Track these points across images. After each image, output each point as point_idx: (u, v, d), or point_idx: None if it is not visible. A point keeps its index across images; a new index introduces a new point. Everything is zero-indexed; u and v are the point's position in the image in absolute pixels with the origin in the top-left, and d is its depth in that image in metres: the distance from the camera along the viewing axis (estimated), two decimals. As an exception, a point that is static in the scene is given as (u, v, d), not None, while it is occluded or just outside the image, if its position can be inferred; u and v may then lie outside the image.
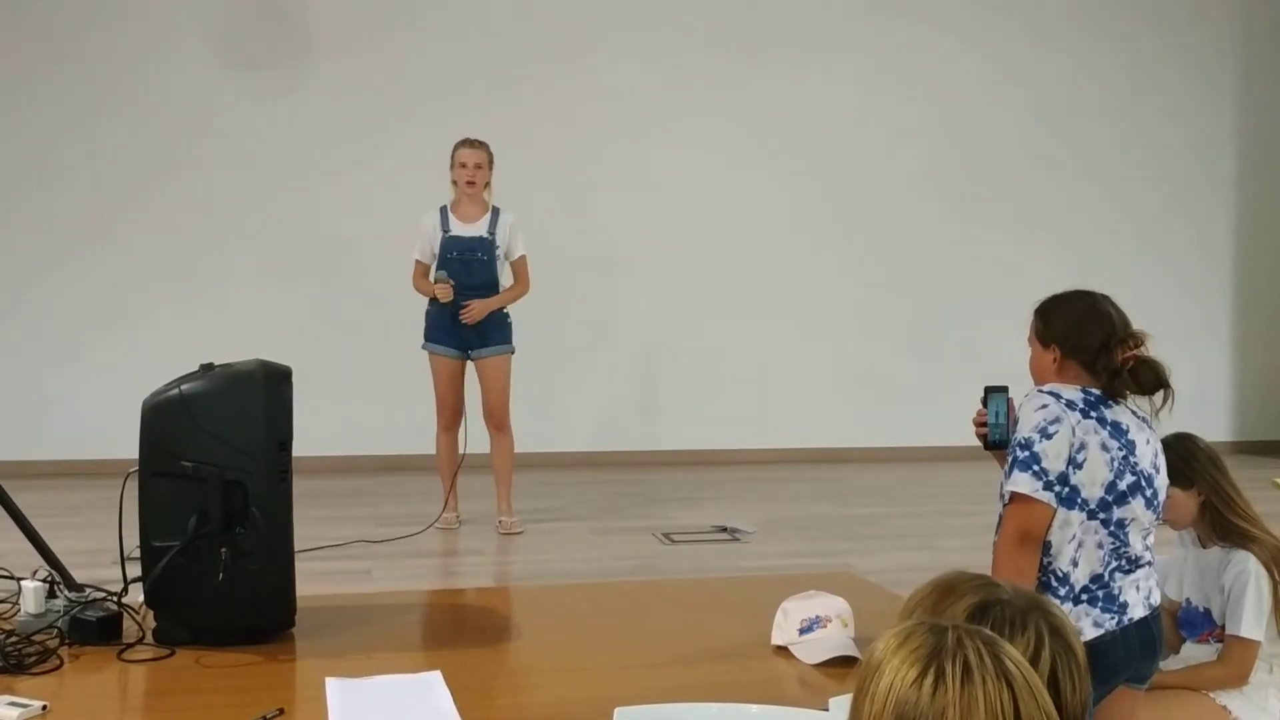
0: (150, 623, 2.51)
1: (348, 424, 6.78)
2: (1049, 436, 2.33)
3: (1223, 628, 2.90)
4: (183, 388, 2.45)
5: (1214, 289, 8.54)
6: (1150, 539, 2.48)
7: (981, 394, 2.68)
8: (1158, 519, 2.48)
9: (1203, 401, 7.87)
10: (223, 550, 2.39)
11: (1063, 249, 7.87)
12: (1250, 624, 2.82)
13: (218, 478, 2.39)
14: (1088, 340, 2.41)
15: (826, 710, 2.07)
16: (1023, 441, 2.36)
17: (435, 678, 2.26)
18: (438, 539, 4.91)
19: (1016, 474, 2.34)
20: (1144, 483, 2.40)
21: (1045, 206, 8.16)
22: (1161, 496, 2.47)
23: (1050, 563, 2.36)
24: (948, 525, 5.60)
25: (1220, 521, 2.91)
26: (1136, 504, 2.39)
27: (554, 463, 6.59)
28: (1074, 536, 2.34)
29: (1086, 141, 8.25)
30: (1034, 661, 1.19)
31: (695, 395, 7.52)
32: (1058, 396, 2.38)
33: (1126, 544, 2.40)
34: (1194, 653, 2.97)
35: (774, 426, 7.64)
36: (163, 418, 2.43)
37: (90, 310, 6.80)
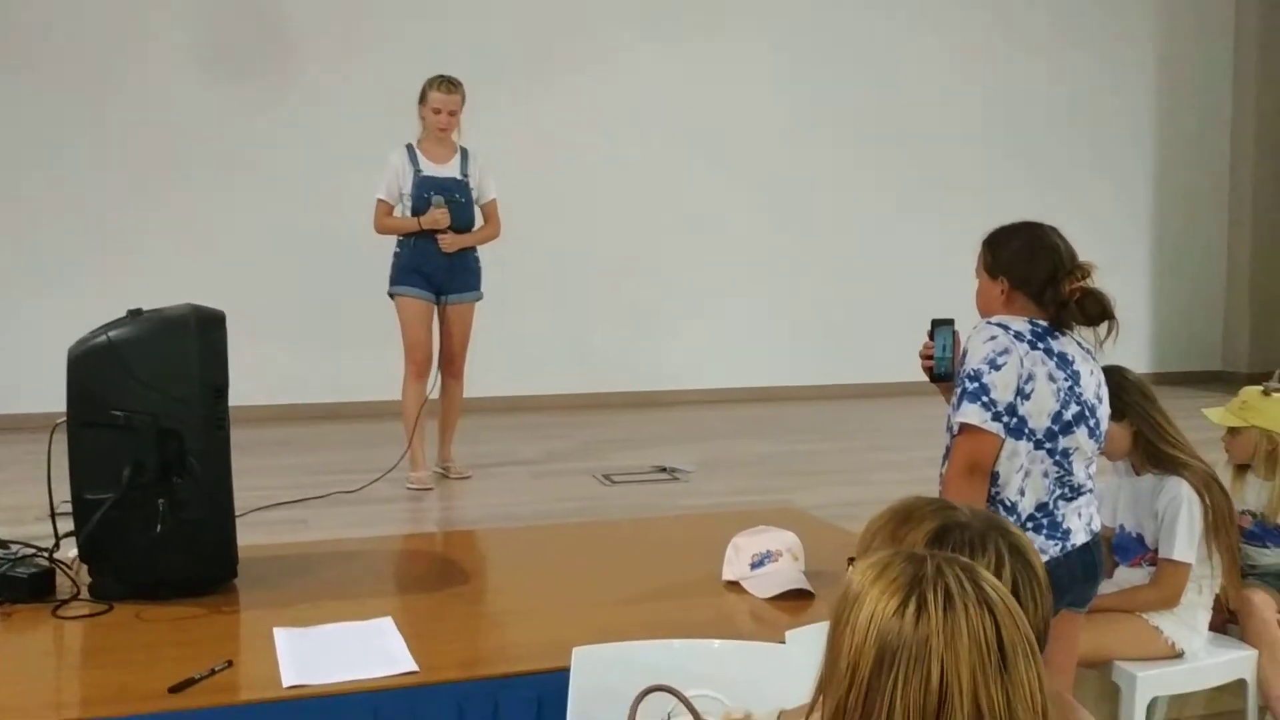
0: (85, 578, 2.43)
1: (277, 373, 6.64)
2: (998, 368, 2.34)
3: (1155, 552, 2.98)
4: (110, 334, 2.35)
5: (1128, 229, 8.72)
6: (1092, 468, 2.51)
7: (928, 327, 2.68)
8: (1099, 448, 2.51)
9: (1121, 336, 8.04)
10: (160, 501, 2.32)
11: (980, 189, 7.94)
12: (1182, 547, 2.89)
13: (151, 427, 2.31)
14: (1036, 272, 2.41)
15: (783, 643, 2.08)
16: (971, 373, 2.37)
17: (386, 624, 2.23)
18: (376, 486, 4.83)
19: (966, 405, 2.35)
20: (1087, 413, 2.43)
21: (963, 148, 8.21)
22: (1104, 426, 2.50)
23: (998, 493, 2.39)
24: (883, 460, 5.67)
25: (1152, 450, 2.97)
26: (1080, 433, 2.42)
27: (489, 407, 6.53)
28: (1021, 466, 2.37)
29: (1003, 84, 8.32)
30: None
31: (629, 338, 7.50)
32: (1006, 328, 2.39)
33: (1070, 472, 2.43)
34: (1127, 577, 3.05)
35: (708, 367, 7.65)
36: (91, 366, 2.33)
37: (6, 262, 6.54)
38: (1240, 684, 2.99)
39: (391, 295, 5.07)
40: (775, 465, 5.56)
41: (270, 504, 4.35)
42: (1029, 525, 2.40)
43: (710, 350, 7.66)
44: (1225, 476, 3.16)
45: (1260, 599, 3.08)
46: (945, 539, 1.27)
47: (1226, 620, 3.14)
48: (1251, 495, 3.25)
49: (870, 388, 7.87)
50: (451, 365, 5.16)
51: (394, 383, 5.20)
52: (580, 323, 7.43)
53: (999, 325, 2.40)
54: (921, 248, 8.01)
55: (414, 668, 1.98)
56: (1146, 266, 8.94)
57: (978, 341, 2.40)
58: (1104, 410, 2.49)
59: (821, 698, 1.12)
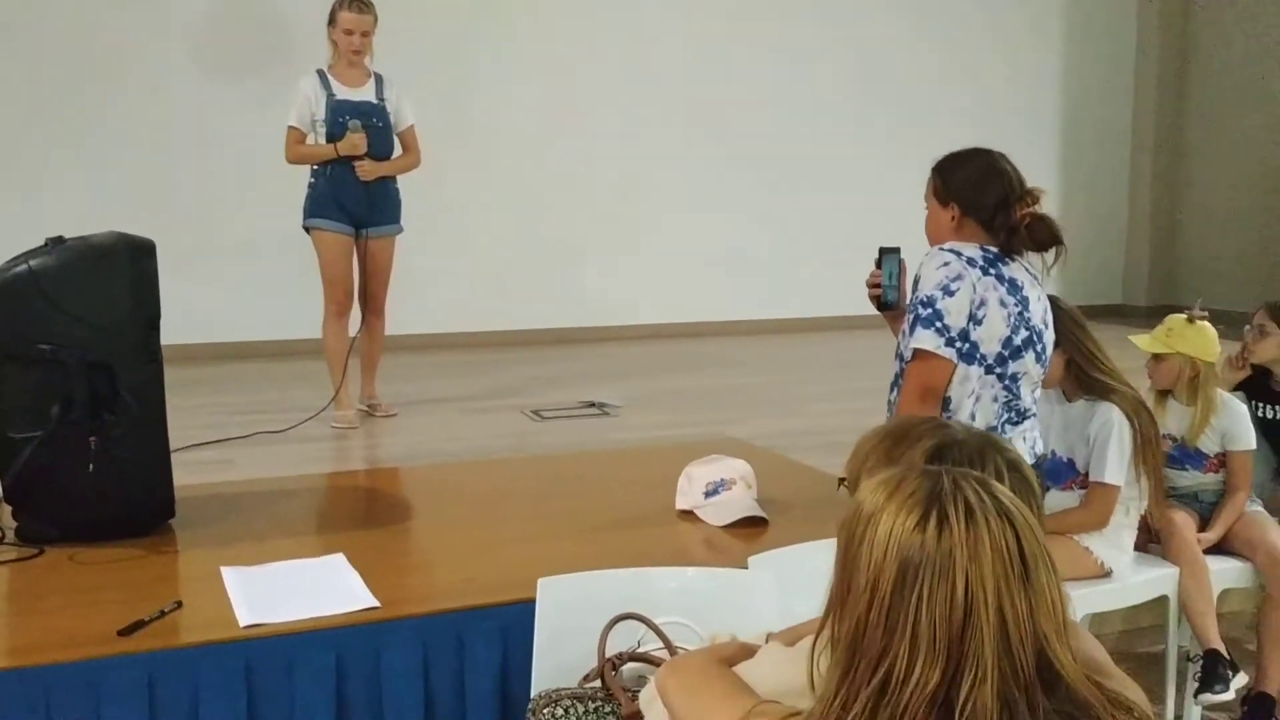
0: (11, 521, 2.31)
1: (185, 311, 6.41)
2: (951, 294, 2.35)
3: (1085, 476, 3.06)
4: (31, 263, 2.21)
5: (1039, 165, 8.89)
6: (1037, 392, 2.56)
7: (876, 255, 2.68)
8: (1044, 372, 2.56)
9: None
10: (91, 439, 2.21)
11: (902, 123, 8.01)
12: (1113, 470, 2.97)
13: (81, 361, 2.18)
14: (986, 197, 2.42)
15: (745, 568, 2.08)
16: (925, 299, 2.37)
17: (339, 560, 2.17)
18: (301, 426, 4.71)
19: (919, 331, 2.36)
20: (1035, 338, 2.46)
21: (886, 81, 8.25)
22: (1049, 352, 2.54)
23: (949, 417, 2.41)
24: (813, 392, 5.72)
25: (1084, 377, 3.04)
26: (1028, 358, 2.45)
27: (409, 345, 6.41)
28: (972, 391, 2.39)
29: (926, 20, 8.36)
30: None
31: (552, 274, 7.41)
32: (958, 254, 2.40)
33: (1018, 397, 2.47)
34: (1058, 500, 3.13)
35: (633, 304, 7.61)
36: (12, 298, 2.19)
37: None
38: (1159, 600, 3.11)
39: (307, 229, 4.89)
40: (704, 399, 5.57)
41: (193, 444, 4.20)
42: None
43: (635, 287, 7.63)
44: (1148, 402, 3.25)
45: (1181, 519, 3.20)
46: (943, 456, 1.27)
47: (1148, 540, 3.25)
48: (1173, 420, 3.35)
49: (795, 322, 7.95)
50: (373, 302, 5.03)
51: (307, 321, 5.06)
52: (502, 258, 7.32)
53: (951, 251, 2.41)
54: (847, 182, 8.06)
55: (375, 603, 1.93)
56: (1053, 202, 9.12)
57: (930, 268, 2.41)
58: (1049, 336, 2.53)
59: (831, 617, 1.10)
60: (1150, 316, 8.57)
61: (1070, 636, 1.03)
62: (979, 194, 2.43)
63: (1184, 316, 3.52)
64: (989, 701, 0.96)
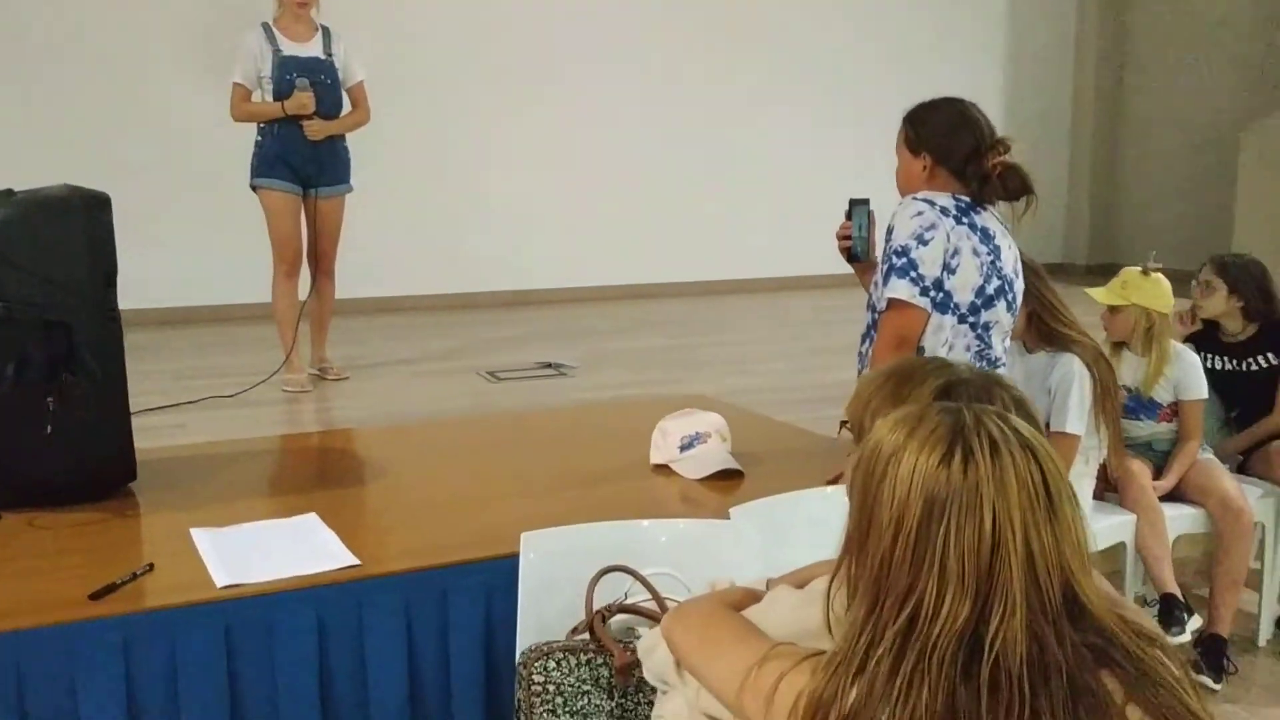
0: (-36, 486, 2.23)
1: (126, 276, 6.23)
2: (925, 243, 2.35)
3: (1046, 426, 3.10)
4: (-20, 217, 2.11)
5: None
6: (1007, 342, 2.58)
7: (846, 207, 2.67)
8: (1014, 322, 2.57)
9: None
10: (49, 400, 2.13)
11: (841, 82, 8.01)
12: (1074, 420, 3.01)
13: (37, 319, 2.10)
14: (958, 146, 2.42)
15: (728, 519, 2.07)
16: (899, 249, 2.37)
17: (312, 520, 2.12)
18: (254, 390, 4.61)
19: (894, 280, 2.36)
20: (1007, 287, 2.48)
21: (825, 40, 8.24)
22: (1019, 301, 2.56)
23: (923, 367, 2.42)
24: (766, 351, 5.74)
25: (1045, 329, 3.07)
26: (1000, 307, 2.46)
27: (359, 309, 6.31)
28: (945, 341, 2.40)
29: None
30: None
31: (500, 236, 7.33)
32: (932, 203, 2.39)
33: (989, 346, 2.48)
34: (1019, 450, 3.17)
35: (581, 265, 7.57)
36: (-40, 253, 2.10)
37: None
38: (1117, 547, 3.17)
39: (255, 188, 4.77)
40: (659, 358, 5.56)
41: (143, 410, 4.09)
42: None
43: (584, 248, 7.58)
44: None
45: (1138, 467, 3.26)
46: (951, 394, 1.26)
47: (1104, 488, 3.30)
48: (1128, 371, 3.40)
49: (745, 283, 7.95)
50: (323, 262, 4.92)
51: (254, 284, 4.94)
52: (450, 220, 7.22)
53: (924, 201, 2.41)
54: (793, 144, 8.06)
55: (355, 561, 1.89)
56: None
57: (904, 217, 2.40)
58: (1020, 285, 2.54)
59: (848, 558, 1.09)
60: (1090, 275, 8.74)
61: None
62: (950, 143, 2.43)
63: (1138, 269, 3.57)
64: (1018, 634, 0.96)
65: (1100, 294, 3.52)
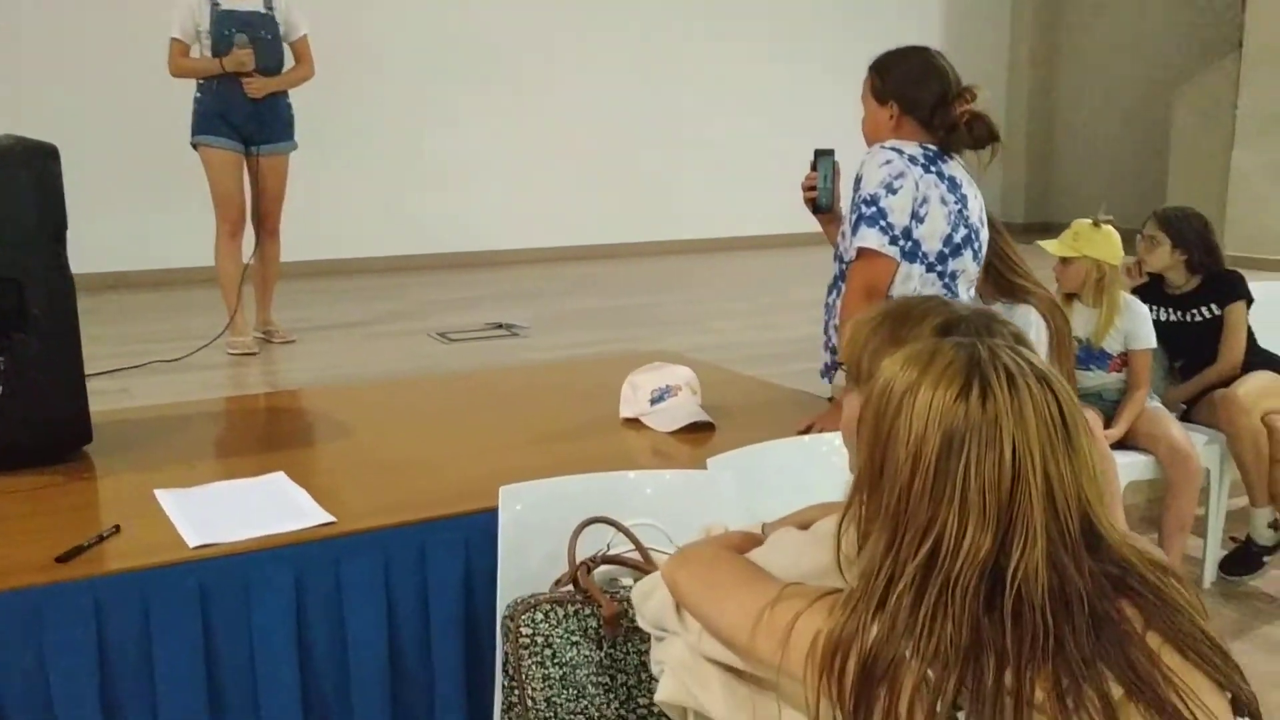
0: (-89, 451, 2.14)
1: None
2: (894, 191, 2.35)
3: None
4: (-80, 169, 2.02)
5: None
6: (972, 291, 2.59)
7: (811, 157, 2.66)
8: (979, 271, 2.59)
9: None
10: (0, 360, 2.04)
11: (780, 36, 7.98)
12: (1031, 370, 3.05)
13: (-15, 275, 2.02)
14: (925, 94, 2.41)
15: (705, 469, 2.06)
16: (868, 197, 2.36)
17: (280, 479, 2.07)
18: (196, 354, 4.50)
19: (864, 230, 2.35)
20: (973, 236, 2.49)
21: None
22: (984, 250, 2.57)
23: (892, 316, 2.42)
24: (719, 309, 5.74)
25: (1002, 281, 3.10)
26: (966, 256, 2.47)
27: (301, 272, 6.17)
28: (914, 290, 2.40)
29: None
30: None
31: (448, 197, 7.21)
32: (900, 152, 2.39)
33: (956, 295, 2.49)
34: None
35: (526, 227, 7.49)
36: (-100, 206, 2.00)
37: None
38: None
39: (195, 146, 4.63)
40: (612, 318, 5.53)
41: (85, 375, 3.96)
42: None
43: (530, 209, 7.50)
44: (1058, 305, 3.33)
45: (1091, 416, 3.32)
46: (952, 332, 1.25)
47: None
48: (1079, 322, 3.45)
49: (691, 244, 7.93)
50: (267, 222, 4.80)
51: (197, 248, 4.80)
52: (394, 182, 7.09)
53: (892, 149, 2.40)
54: (738, 102, 8.03)
55: (330, 519, 1.85)
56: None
57: (872, 166, 2.39)
58: (985, 234, 2.55)
59: (858, 496, 1.09)
60: (1027, 233, 8.83)
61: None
62: (917, 91, 2.42)
63: (1089, 221, 3.61)
64: (1039, 565, 0.96)
65: (1052, 246, 3.56)
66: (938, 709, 0.92)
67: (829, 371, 2.60)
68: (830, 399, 2.64)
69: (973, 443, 0.98)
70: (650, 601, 1.41)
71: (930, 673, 0.94)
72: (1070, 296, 3.50)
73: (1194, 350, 3.81)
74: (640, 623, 1.45)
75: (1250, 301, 3.82)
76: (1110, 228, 3.58)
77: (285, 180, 4.79)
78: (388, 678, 1.84)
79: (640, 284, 6.76)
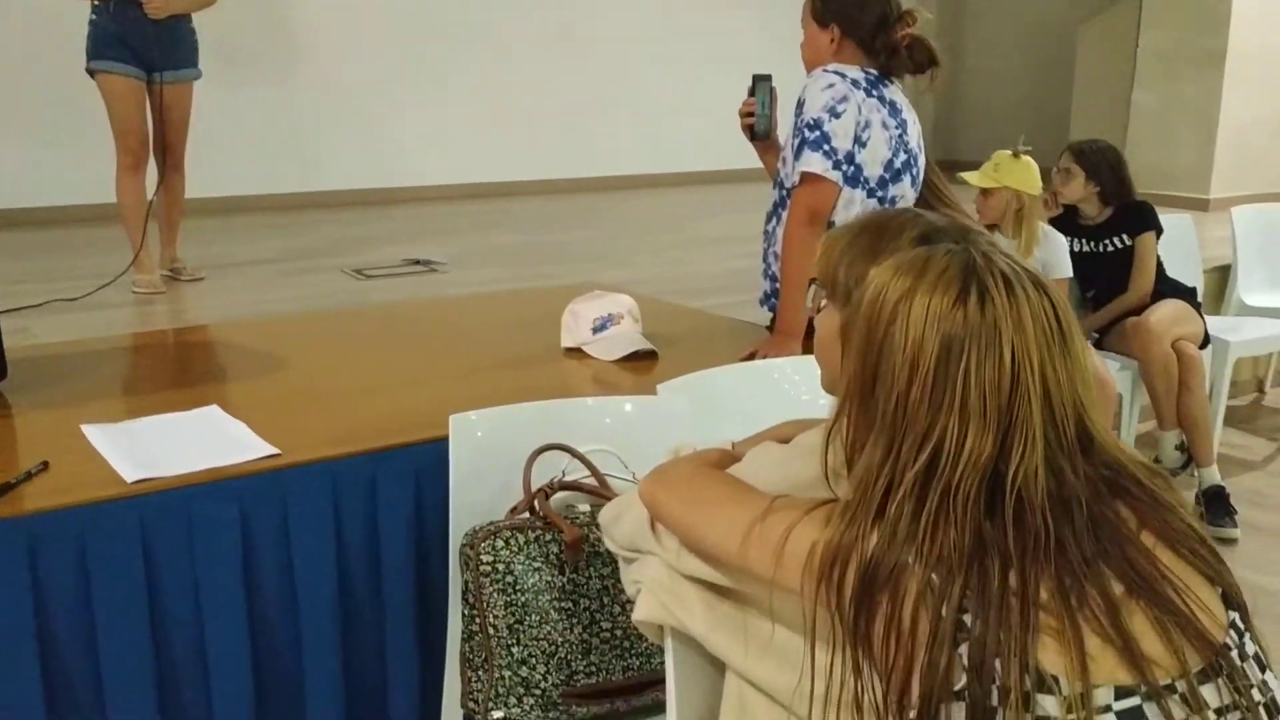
0: None
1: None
2: (837, 115, 2.33)
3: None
4: None
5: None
6: (908, 218, 2.60)
7: (750, 83, 2.63)
8: (916, 198, 2.60)
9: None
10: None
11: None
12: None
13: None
14: (866, 17, 2.40)
15: (655, 395, 2.04)
16: (811, 121, 2.34)
17: (215, 411, 1.99)
18: (99, 293, 4.29)
19: (808, 154, 2.34)
20: (912, 162, 2.49)
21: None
22: (921, 177, 2.58)
23: (834, 242, 2.42)
24: (637, 245, 5.69)
25: (929, 210, 3.12)
26: (905, 182, 2.48)
27: (203, 210, 5.93)
28: (855, 216, 2.40)
29: None
30: None
31: (351, 132, 6.99)
32: (843, 76, 2.37)
33: (895, 221, 2.50)
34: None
35: (438, 163, 7.30)
36: None
37: None
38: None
39: (92, 73, 4.37)
40: (530, 254, 5.44)
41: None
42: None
43: (441, 146, 7.31)
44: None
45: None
46: (933, 242, 1.24)
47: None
48: (1000, 252, 3.51)
49: (604, 181, 7.85)
50: (171, 154, 4.58)
51: (94, 182, 4.56)
52: (303, 115, 6.83)
53: (835, 73, 2.38)
54: (648, 38, 7.92)
55: (274, 450, 1.79)
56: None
57: (815, 90, 2.37)
58: (923, 160, 2.56)
59: (847, 406, 1.07)
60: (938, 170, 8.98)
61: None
62: (859, 14, 2.40)
63: (1009, 152, 3.66)
64: (1038, 469, 0.96)
65: (974, 177, 3.60)
66: (943, 613, 0.92)
67: (768, 299, 2.60)
68: (768, 327, 2.64)
69: (972, 348, 0.98)
70: (621, 523, 1.39)
71: (934, 578, 0.94)
72: (991, 228, 3.55)
73: (1106, 280, 3.91)
74: (609, 545, 1.43)
75: (1160, 232, 3.93)
76: (1029, 159, 3.64)
77: (190, 110, 4.57)
78: (337, 611, 1.80)
79: (556, 220, 6.67)
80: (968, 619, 0.92)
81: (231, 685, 1.70)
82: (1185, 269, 4.23)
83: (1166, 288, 3.92)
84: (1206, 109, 7.05)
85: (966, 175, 3.62)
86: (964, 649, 0.91)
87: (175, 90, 4.46)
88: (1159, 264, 3.93)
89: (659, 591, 1.29)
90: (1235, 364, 4.23)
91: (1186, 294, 3.96)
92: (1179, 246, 4.33)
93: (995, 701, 0.89)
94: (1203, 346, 3.86)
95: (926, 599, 0.94)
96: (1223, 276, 4.91)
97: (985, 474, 0.97)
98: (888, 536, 0.97)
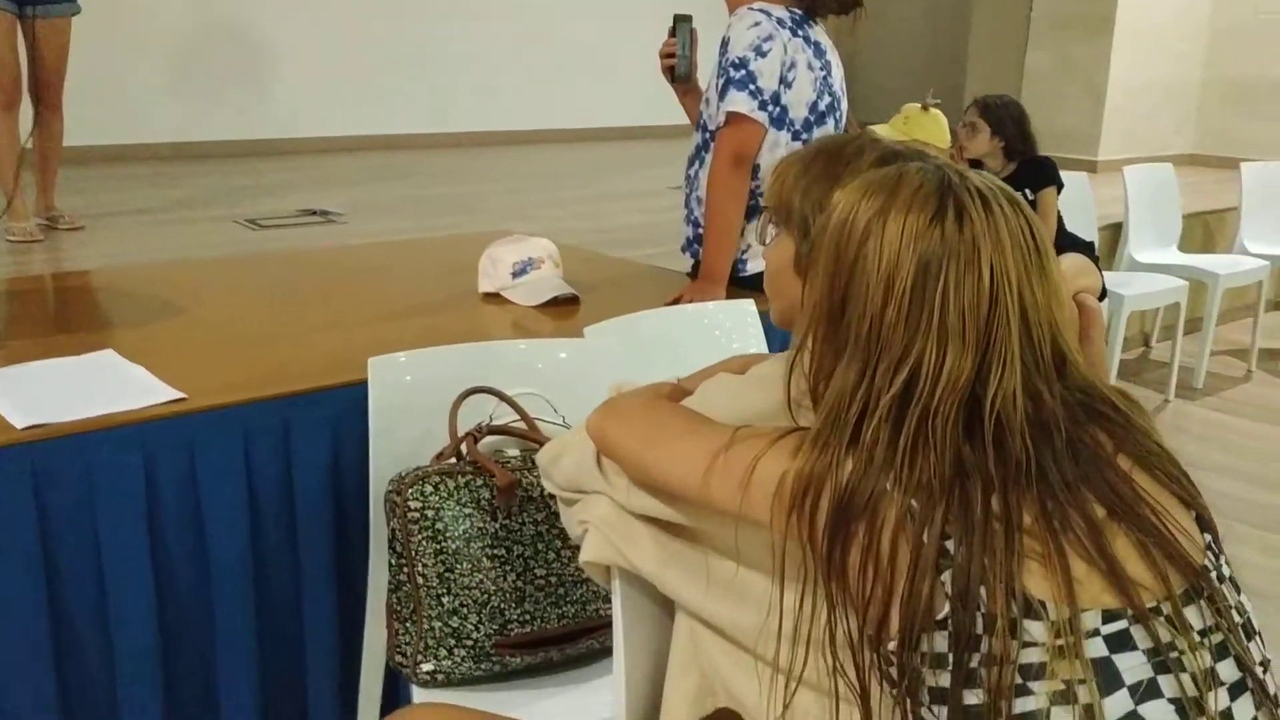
0: None
1: None
2: (763, 54, 2.28)
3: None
4: None
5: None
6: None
7: (670, 23, 2.55)
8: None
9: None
10: None
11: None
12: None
13: None
14: (792, -45, 2.34)
15: (583, 338, 1.98)
16: (736, 60, 2.29)
17: (110, 356, 1.86)
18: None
19: (733, 93, 2.28)
20: (835, 105, 2.46)
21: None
22: (844, 121, 2.55)
23: (759, 185, 2.38)
24: (548, 198, 5.59)
25: None
26: (829, 125, 2.44)
27: (86, 157, 5.61)
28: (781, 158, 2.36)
29: None
30: None
31: (238, 80, 6.68)
32: (768, 14, 2.31)
33: (818, 166, 2.46)
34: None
35: (326, 113, 7.04)
36: None
37: None
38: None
39: (-43, 6, 4.07)
40: (434, 206, 5.29)
41: None
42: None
43: (334, 96, 7.05)
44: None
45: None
46: (894, 163, 1.20)
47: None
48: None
49: (504, 135, 7.69)
50: (47, 94, 4.30)
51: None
52: (188, 58, 6.50)
53: (760, 11, 2.33)
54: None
55: (180, 394, 1.67)
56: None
57: (740, 29, 2.32)
58: (845, 104, 2.53)
59: (812, 330, 1.03)
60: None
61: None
62: (784, -48, 2.35)
63: (919, 106, 3.67)
64: (1016, 392, 0.93)
65: (883, 130, 3.60)
66: (924, 540, 0.89)
67: (690, 245, 2.54)
68: (689, 274, 2.59)
69: (950, 266, 0.94)
70: (562, 463, 1.32)
71: (914, 504, 0.90)
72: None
73: (1009, 234, 3.97)
74: (548, 487, 1.37)
75: (1060, 187, 4.00)
76: (938, 112, 3.65)
77: (67, 48, 4.29)
78: (250, 564, 1.70)
79: (455, 173, 6.51)
80: (950, 545, 0.88)
81: (135, 644, 1.59)
82: (1081, 225, 4.32)
83: (1066, 242, 4.00)
84: (1096, 73, 7.22)
85: (876, 128, 3.62)
86: (947, 576, 0.88)
87: (50, 26, 4.18)
88: (1059, 219, 4.01)
89: (607, 531, 1.23)
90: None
91: (1085, 248, 4.04)
92: (1075, 204, 4.43)
93: (980, 629, 0.86)
94: (1100, 299, 3.94)
95: (906, 526, 0.90)
96: (1114, 234, 5.05)
97: (963, 397, 0.93)
98: (864, 463, 0.93)
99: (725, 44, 2.34)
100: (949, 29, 8.80)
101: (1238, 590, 0.93)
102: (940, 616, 0.88)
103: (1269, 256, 5.02)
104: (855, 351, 0.97)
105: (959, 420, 0.93)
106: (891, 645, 0.90)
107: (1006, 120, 4.02)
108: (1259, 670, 0.89)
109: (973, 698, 0.86)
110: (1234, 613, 0.91)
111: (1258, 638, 0.92)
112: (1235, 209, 5.33)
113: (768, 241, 1.32)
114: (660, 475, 1.12)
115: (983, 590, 0.86)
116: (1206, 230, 5.65)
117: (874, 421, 0.94)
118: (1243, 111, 7.53)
